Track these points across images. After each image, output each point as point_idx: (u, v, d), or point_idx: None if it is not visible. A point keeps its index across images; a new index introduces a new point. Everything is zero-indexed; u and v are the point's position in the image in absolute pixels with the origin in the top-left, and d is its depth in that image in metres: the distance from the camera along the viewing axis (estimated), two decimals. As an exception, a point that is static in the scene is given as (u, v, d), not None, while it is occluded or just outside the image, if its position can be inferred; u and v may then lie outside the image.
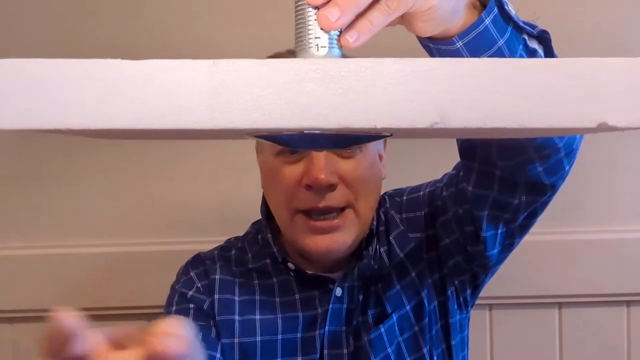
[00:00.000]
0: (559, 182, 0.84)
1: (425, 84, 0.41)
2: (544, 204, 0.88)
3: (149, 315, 1.37)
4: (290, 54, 0.92)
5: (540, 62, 0.42)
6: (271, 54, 0.94)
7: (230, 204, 1.38)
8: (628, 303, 1.39)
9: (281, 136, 0.47)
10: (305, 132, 0.45)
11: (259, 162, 0.99)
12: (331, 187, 0.88)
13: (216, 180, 1.38)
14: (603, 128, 0.41)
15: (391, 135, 0.46)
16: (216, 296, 0.97)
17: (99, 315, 1.38)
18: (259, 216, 1.04)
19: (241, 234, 1.08)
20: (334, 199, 0.89)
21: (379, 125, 0.40)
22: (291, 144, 0.50)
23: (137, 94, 0.41)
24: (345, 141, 0.49)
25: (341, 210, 0.91)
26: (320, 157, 0.87)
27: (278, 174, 0.91)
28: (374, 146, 0.94)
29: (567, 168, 0.81)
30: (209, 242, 1.22)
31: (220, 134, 0.50)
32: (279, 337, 0.95)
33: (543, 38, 0.69)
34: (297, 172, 0.89)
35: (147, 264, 1.36)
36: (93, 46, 1.33)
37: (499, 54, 0.63)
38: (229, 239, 1.09)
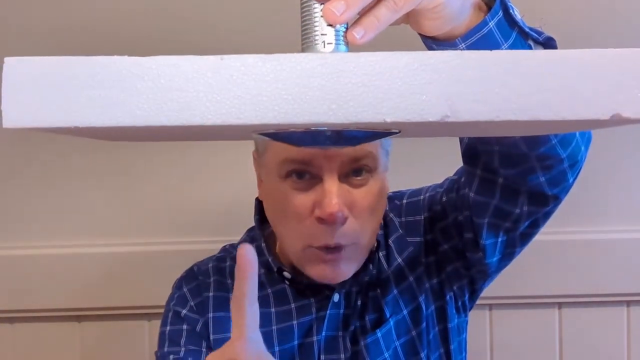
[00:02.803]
0: (562, 194, 0.83)
1: (435, 77, 0.40)
2: (547, 215, 0.87)
3: (149, 315, 1.37)
4: None
5: (552, 54, 0.42)
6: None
7: (229, 205, 1.38)
8: (628, 303, 1.39)
9: (291, 134, 0.47)
10: (312, 128, 0.44)
11: (257, 173, 0.97)
12: (344, 220, 0.86)
13: (216, 180, 1.38)
14: (616, 120, 0.41)
15: (399, 132, 0.46)
16: (210, 315, 0.96)
17: (99, 315, 1.38)
18: (257, 217, 1.03)
19: (240, 235, 1.08)
20: (343, 236, 0.86)
21: (389, 119, 0.40)
22: (300, 141, 0.49)
23: (144, 90, 0.41)
24: (350, 139, 0.49)
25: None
26: (333, 187, 0.84)
27: (287, 200, 0.87)
28: (383, 166, 0.92)
29: (570, 180, 0.80)
30: (209, 243, 1.22)
31: (226, 133, 0.49)
32: (276, 349, 0.94)
33: (549, 45, 0.69)
34: (308, 201, 0.86)
35: (147, 264, 1.36)
36: (99, 43, 1.33)
37: None
38: (225, 246, 1.08)
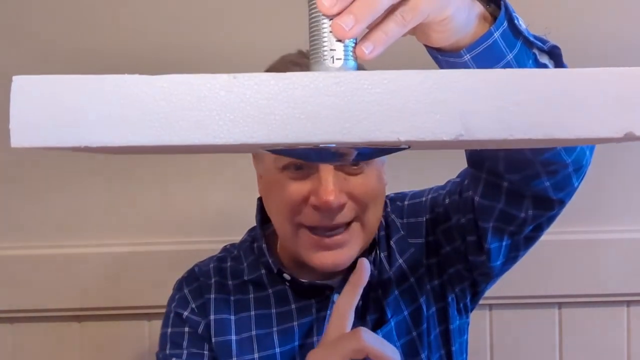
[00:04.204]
0: (566, 198, 0.83)
1: (449, 96, 0.40)
2: (551, 219, 0.87)
3: (149, 315, 1.37)
4: (300, 53, 0.91)
5: (565, 72, 0.42)
6: (279, 56, 0.92)
7: (230, 205, 1.37)
8: (628, 303, 1.39)
9: (297, 150, 0.46)
10: (320, 145, 0.44)
11: (257, 169, 0.97)
12: (340, 208, 0.86)
13: (216, 181, 1.38)
14: (630, 138, 0.41)
15: (409, 147, 0.46)
16: (211, 317, 0.96)
17: (98, 315, 1.38)
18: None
19: (240, 235, 1.08)
20: (342, 216, 0.87)
21: (403, 138, 0.40)
22: (307, 157, 0.49)
23: (156, 109, 0.41)
24: (358, 155, 0.49)
25: (348, 224, 0.89)
26: (329, 176, 0.85)
27: (283, 189, 0.88)
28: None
29: (575, 185, 0.80)
30: (209, 243, 1.22)
31: (237, 148, 0.49)
32: (277, 350, 0.94)
33: (554, 53, 0.69)
34: (304, 189, 0.87)
35: (147, 264, 1.36)
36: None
37: (508, 68, 0.62)
38: (225, 246, 1.08)
